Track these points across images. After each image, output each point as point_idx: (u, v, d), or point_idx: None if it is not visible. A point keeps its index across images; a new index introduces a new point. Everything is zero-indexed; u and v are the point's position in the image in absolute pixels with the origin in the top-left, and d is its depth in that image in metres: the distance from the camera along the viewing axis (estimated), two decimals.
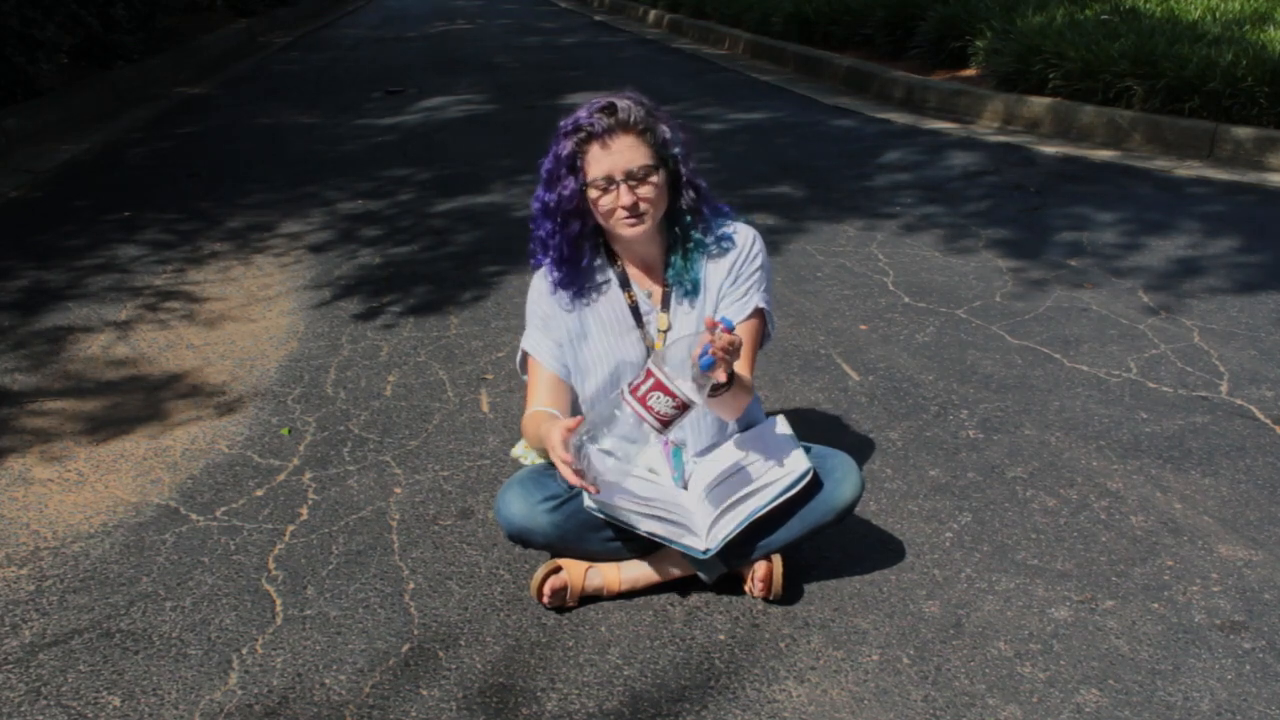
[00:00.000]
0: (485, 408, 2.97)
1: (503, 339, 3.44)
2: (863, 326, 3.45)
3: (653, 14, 13.52)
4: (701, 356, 1.70)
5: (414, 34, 13.16)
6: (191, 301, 3.91)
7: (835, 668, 1.89)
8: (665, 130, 1.97)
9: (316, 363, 3.31)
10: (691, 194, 2.01)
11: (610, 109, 1.92)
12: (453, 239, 4.60)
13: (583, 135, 1.92)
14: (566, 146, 1.93)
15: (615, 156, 1.91)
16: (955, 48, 7.43)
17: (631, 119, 1.92)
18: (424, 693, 1.86)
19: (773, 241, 4.32)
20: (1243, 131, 5.34)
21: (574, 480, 1.79)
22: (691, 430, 2.13)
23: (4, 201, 5.45)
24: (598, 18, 14.88)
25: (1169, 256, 4.03)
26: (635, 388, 1.74)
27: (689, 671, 1.90)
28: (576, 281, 2.06)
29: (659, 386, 1.72)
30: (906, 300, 3.66)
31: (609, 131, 1.90)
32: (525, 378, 2.16)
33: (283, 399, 3.06)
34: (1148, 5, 7.08)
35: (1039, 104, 6.25)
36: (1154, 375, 3.04)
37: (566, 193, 1.94)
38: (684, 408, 1.73)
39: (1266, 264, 3.92)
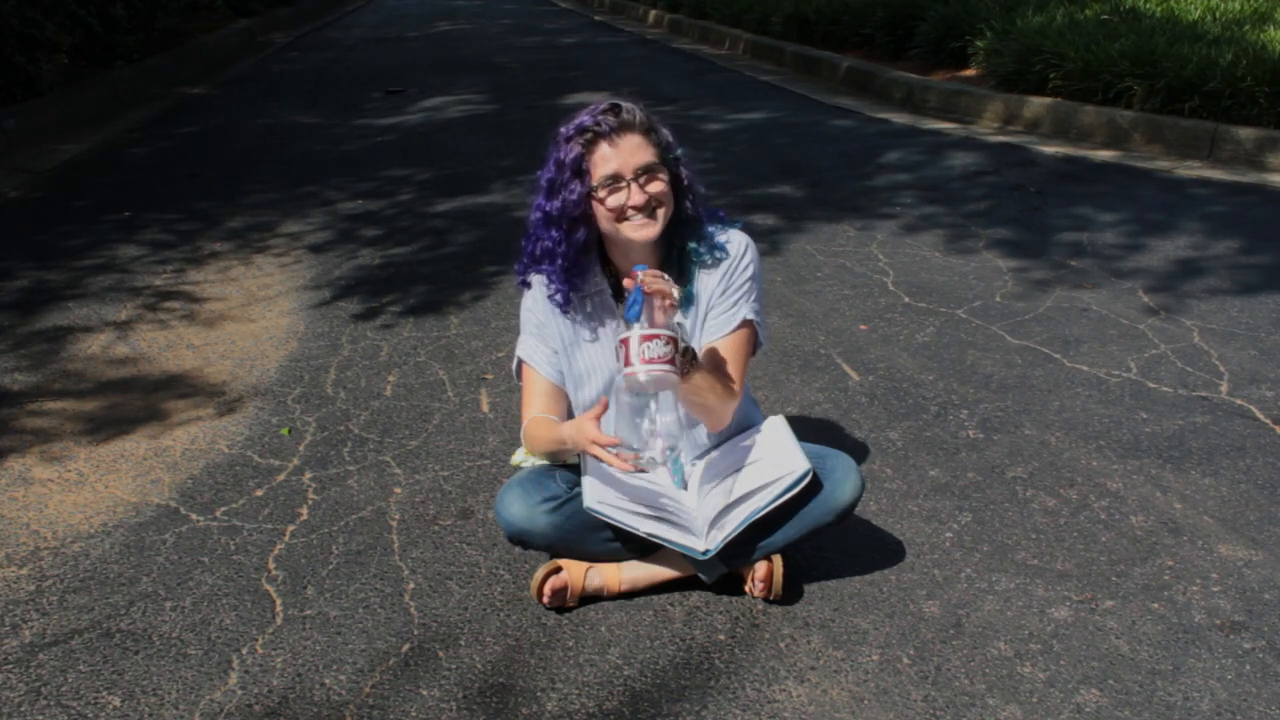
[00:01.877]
0: (485, 408, 2.97)
1: (503, 339, 3.44)
2: (863, 326, 3.45)
3: (653, 14, 13.53)
4: (629, 307, 1.77)
5: (414, 34, 13.17)
6: (191, 301, 3.91)
7: (835, 668, 1.89)
8: (665, 133, 1.97)
9: (316, 363, 3.31)
10: (690, 201, 2.01)
11: (615, 109, 1.92)
12: (453, 239, 4.60)
13: (589, 136, 1.90)
14: (572, 150, 1.91)
15: (624, 155, 1.89)
16: (955, 48, 7.43)
17: (637, 119, 1.92)
18: (424, 693, 1.86)
19: (773, 241, 4.33)
20: (1243, 131, 5.34)
21: (622, 465, 1.80)
22: (690, 436, 2.13)
23: (4, 201, 5.45)
24: (598, 18, 14.89)
25: (1169, 257, 4.03)
26: (628, 361, 1.77)
27: (689, 671, 1.90)
28: (578, 293, 2.05)
29: (643, 340, 1.76)
30: (906, 300, 3.66)
31: (616, 131, 1.89)
32: (520, 383, 2.16)
33: (283, 399, 3.06)
34: (1148, 5, 7.08)
35: (1039, 104, 6.25)
36: (1154, 375, 3.04)
37: (573, 197, 1.91)
38: (673, 340, 1.77)
39: (1267, 264, 3.92)
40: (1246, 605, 2.03)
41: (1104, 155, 5.61)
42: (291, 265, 4.30)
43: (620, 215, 1.91)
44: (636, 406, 1.80)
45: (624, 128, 1.90)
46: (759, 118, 7.04)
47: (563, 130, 1.94)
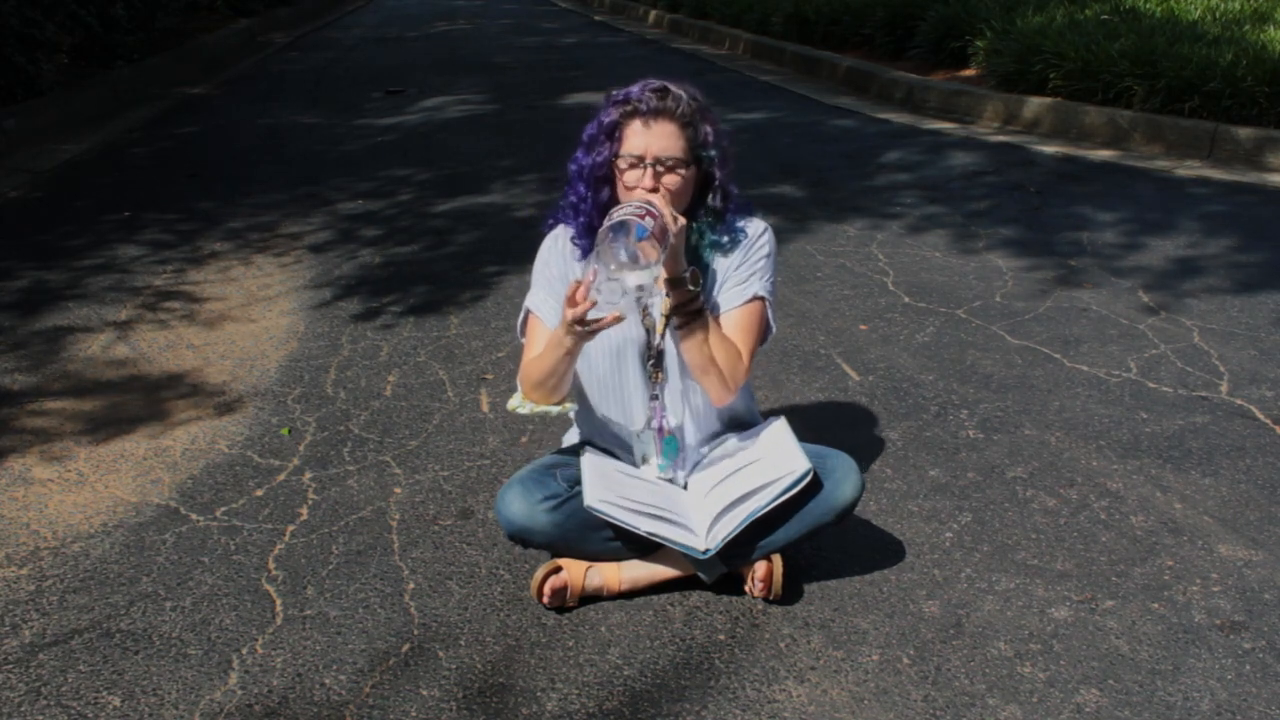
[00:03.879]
0: (485, 408, 2.97)
1: (503, 339, 3.44)
2: (863, 326, 3.45)
3: (653, 14, 13.54)
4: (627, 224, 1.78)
5: (414, 34, 13.17)
6: (191, 301, 3.91)
7: (835, 668, 1.89)
8: (708, 130, 1.98)
9: (316, 363, 3.31)
10: (719, 199, 2.03)
11: (662, 92, 1.94)
12: (453, 239, 4.60)
13: (629, 108, 1.94)
14: (611, 114, 1.95)
15: (651, 139, 1.92)
16: (955, 48, 7.44)
17: (679, 109, 1.94)
18: (424, 693, 1.86)
19: None
20: (1243, 131, 5.34)
21: (583, 309, 1.79)
22: (691, 418, 2.13)
23: (4, 201, 5.45)
24: (598, 18, 14.89)
25: (1169, 256, 4.03)
26: (606, 219, 1.80)
27: (689, 671, 1.90)
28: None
29: (616, 210, 1.80)
30: (906, 300, 3.66)
31: (653, 113, 1.92)
32: (523, 340, 2.15)
33: (283, 399, 3.06)
34: (1148, 5, 7.09)
35: (1039, 104, 6.26)
36: (1154, 375, 3.04)
37: (600, 159, 1.97)
38: (645, 208, 1.78)
39: (1266, 264, 3.92)
40: (1246, 605, 2.03)
41: (1104, 155, 5.62)
42: (292, 265, 4.30)
43: (631, 190, 1.95)
44: (608, 275, 1.77)
45: (662, 113, 1.92)
46: (759, 118, 7.04)
47: (615, 93, 1.98)
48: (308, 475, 2.62)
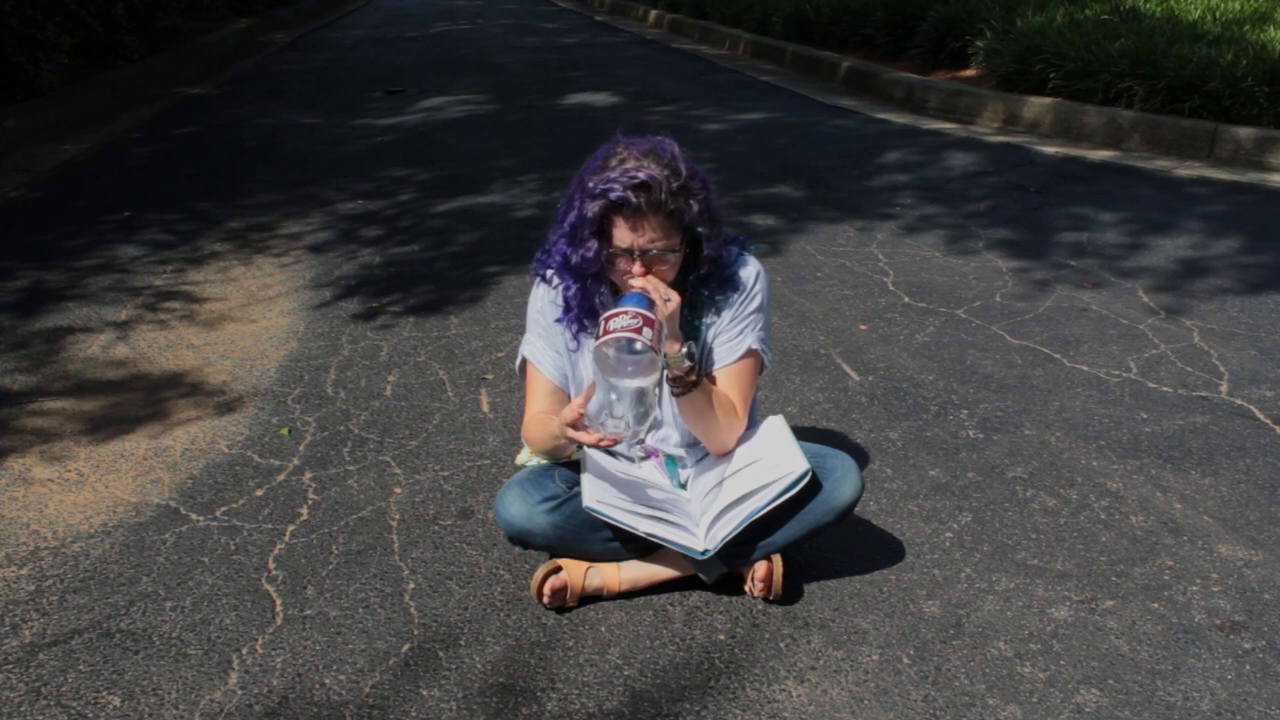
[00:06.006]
0: (485, 408, 2.97)
1: (503, 339, 3.44)
2: (863, 326, 3.45)
3: (653, 14, 13.54)
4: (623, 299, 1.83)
5: (414, 34, 13.16)
6: (191, 301, 3.90)
7: (835, 668, 1.89)
8: (694, 206, 1.91)
9: (316, 363, 3.31)
10: (708, 266, 2.00)
11: (644, 187, 1.84)
12: (453, 239, 4.60)
13: (609, 203, 1.86)
14: (591, 208, 1.88)
15: (639, 234, 1.88)
16: (955, 48, 7.44)
17: (663, 198, 1.86)
18: (424, 693, 1.86)
19: (773, 241, 4.33)
20: (1243, 131, 5.34)
21: (592, 440, 1.82)
22: (686, 441, 2.13)
23: (4, 201, 5.45)
24: (598, 18, 14.89)
25: (1169, 256, 4.03)
26: (597, 337, 1.80)
27: (689, 671, 1.90)
28: (586, 334, 2.07)
29: (610, 317, 1.79)
30: (906, 300, 3.66)
31: (637, 212, 1.86)
32: (524, 382, 2.16)
33: (283, 399, 3.06)
34: (1148, 5, 7.09)
35: (1039, 104, 6.26)
36: (1154, 375, 3.04)
37: (590, 255, 1.91)
38: (647, 319, 1.77)
39: (1266, 264, 3.92)
40: (1246, 605, 2.03)
41: (1104, 155, 5.62)
42: (291, 265, 4.30)
43: (622, 275, 1.93)
44: (608, 384, 1.80)
45: (649, 209, 1.86)
46: (759, 118, 7.04)
47: (593, 183, 1.88)
48: (308, 475, 2.62)
